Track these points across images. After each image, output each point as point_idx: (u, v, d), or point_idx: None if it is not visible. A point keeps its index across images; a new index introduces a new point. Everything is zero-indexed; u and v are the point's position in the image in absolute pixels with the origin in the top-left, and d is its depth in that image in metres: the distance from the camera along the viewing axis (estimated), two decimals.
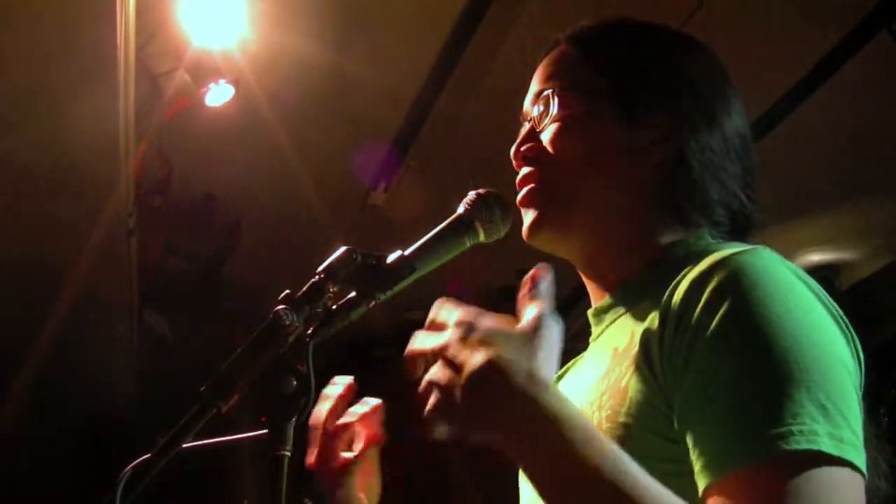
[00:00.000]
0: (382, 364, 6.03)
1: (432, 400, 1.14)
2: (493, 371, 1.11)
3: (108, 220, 4.65)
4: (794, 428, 1.10)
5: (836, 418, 1.12)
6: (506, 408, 1.11)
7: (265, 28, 3.70)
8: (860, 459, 1.13)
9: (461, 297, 1.25)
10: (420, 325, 1.24)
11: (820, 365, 1.16)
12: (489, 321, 1.17)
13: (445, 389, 1.14)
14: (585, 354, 1.59)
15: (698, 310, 1.23)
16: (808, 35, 3.93)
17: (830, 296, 4.59)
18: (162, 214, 4.91)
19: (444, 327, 1.19)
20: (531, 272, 1.22)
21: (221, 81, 3.62)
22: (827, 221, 5.24)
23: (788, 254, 4.71)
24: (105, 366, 5.99)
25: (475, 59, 3.86)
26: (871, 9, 3.78)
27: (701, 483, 1.16)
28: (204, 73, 3.59)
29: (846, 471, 1.11)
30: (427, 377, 1.17)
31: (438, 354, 1.16)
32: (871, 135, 4.42)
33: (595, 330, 1.55)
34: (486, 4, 3.62)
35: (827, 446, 1.10)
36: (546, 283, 1.21)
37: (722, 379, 1.17)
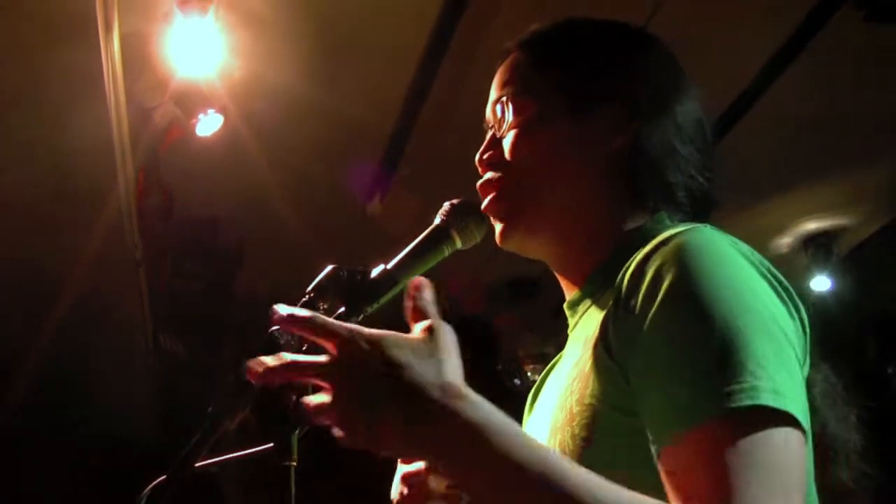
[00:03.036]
0: None
1: (342, 431, 1.09)
2: (405, 394, 1.08)
3: (116, 252, 4.74)
4: (736, 387, 1.13)
5: (775, 376, 1.15)
6: (428, 428, 1.08)
7: (245, 58, 3.80)
8: (800, 412, 1.16)
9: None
10: None
11: (757, 328, 1.19)
12: (381, 340, 1.10)
13: (353, 420, 1.09)
14: (566, 347, 1.61)
15: (644, 287, 1.27)
16: (779, 5, 3.95)
17: (829, 262, 4.65)
18: (167, 240, 5.00)
19: (321, 346, 1.14)
20: (412, 282, 1.19)
21: (210, 111, 3.70)
22: (818, 191, 5.26)
23: (783, 225, 4.78)
24: (124, 390, 6.05)
25: (447, 73, 4.02)
26: None
27: (654, 448, 1.19)
28: (193, 104, 3.67)
29: (787, 423, 1.14)
30: (320, 406, 1.10)
31: (329, 380, 1.11)
32: (852, 102, 4.44)
33: (571, 322, 1.58)
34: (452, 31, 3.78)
35: (769, 401, 1.12)
36: (429, 291, 1.18)
37: (667, 349, 1.21)
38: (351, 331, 1.11)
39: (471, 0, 3.65)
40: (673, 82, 1.61)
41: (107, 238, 4.70)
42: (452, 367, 1.11)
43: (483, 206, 1.58)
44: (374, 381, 1.08)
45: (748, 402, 1.12)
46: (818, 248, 5.63)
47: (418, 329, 1.14)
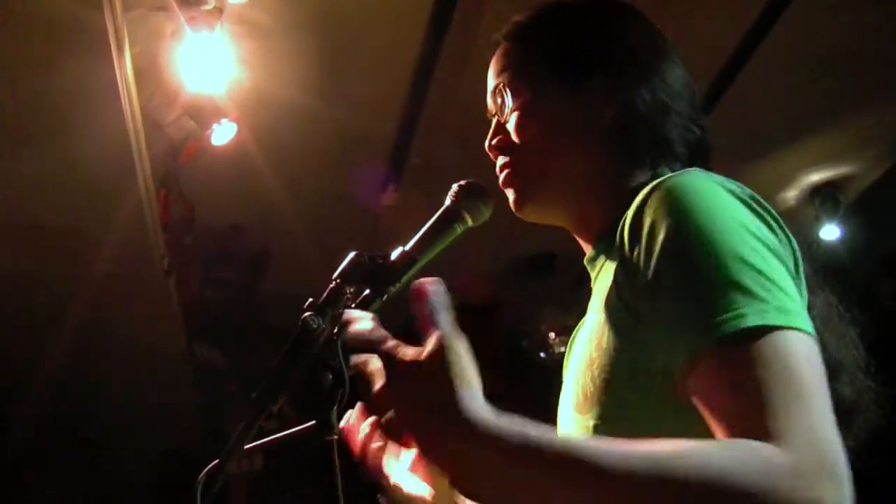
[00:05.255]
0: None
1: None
2: (434, 416, 1.15)
3: (144, 266, 4.85)
4: (745, 309, 1.19)
5: (777, 294, 1.22)
6: (450, 447, 1.14)
7: (253, 68, 3.91)
8: (805, 323, 1.22)
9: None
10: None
11: (754, 252, 1.26)
12: (399, 365, 1.20)
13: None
14: (591, 304, 1.66)
15: (644, 231, 1.34)
16: None
17: (836, 211, 4.67)
18: (194, 251, 5.10)
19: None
20: (418, 287, 1.23)
21: (224, 120, 3.81)
22: (821, 141, 5.25)
23: (788, 178, 4.79)
24: (166, 402, 6.12)
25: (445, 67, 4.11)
26: None
27: (675, 377, 1.26)
28: (206, 115, 3.77)
29: (797, 333, 1.20)
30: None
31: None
32: (847, 48, 4.42)
33: (592, 276, 1.66)
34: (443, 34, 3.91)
35: (777, 319, 1.19)
36: (436, 295, 1.22)
37: (675, 283, 1.28)
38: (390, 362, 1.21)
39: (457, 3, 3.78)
40: (655, 47, 1.70)
41: (132, 252, 4.82)
42: (460, 384, 1.14)
43: (500, 182, 1.70)
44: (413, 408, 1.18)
45: (759, 322, 1.19)
46: (825, 197, 5.62)
47: (431, 346, 1.17)
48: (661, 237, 1.32)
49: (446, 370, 1.15)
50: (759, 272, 1.24)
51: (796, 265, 1.38)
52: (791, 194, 5.70)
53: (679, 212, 1.32)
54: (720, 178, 1.40)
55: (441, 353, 1.16)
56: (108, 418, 6.24)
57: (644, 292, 1.34)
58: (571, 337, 1.80)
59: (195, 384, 5.93)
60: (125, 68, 3.47)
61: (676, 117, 1.65)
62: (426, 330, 1.20)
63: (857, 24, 4.29)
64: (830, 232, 5.69)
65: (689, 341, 1.24)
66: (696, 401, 1.23)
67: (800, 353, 1.19)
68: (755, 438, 1.12)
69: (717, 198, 1.34)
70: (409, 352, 1.20)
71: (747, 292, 1.22)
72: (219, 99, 3.75)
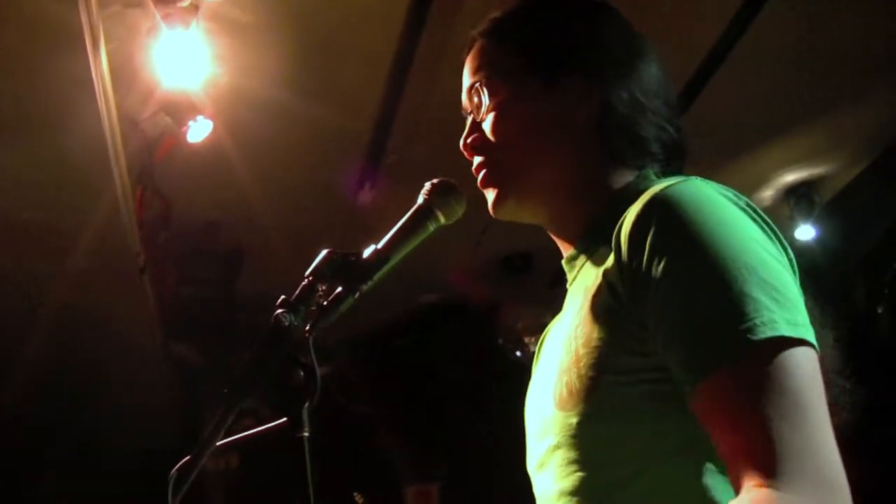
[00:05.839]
0: (402, 352, 6.19)
1: None
2: None
3: (119, 262, 4.84)
4: (756, 321, 1.21)
5: (786, 305, 1.24)
6: None
7: (229, 65, 3.91)
8: (812, 337, 1.25)
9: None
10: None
11: (761, 264, 1.27)
12: None
13: None
14: (566, 300, 1.69)
15: (649, 238, 1.34)
16: None
17: (811, 211, 4.71)
18: (169, 247, 5.09)
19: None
20: None
21: (199, 118, 3.79)
22: (795, 141, 5.27)
23: (763, 179, 4.81)
24: (141, 401, 6.11)
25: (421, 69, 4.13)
26: None
27: (687, 392, 1.28)
28: (182, 112, 3.76)
29: (804, 348, 1.23)
30: None
31: None
32: (821, 47, 4.43)
33: (569, 277, 1.68)
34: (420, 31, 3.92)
35: (786, 330, 1.21)
36: None
37: (683, 297, 1.29)
38: None
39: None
40: (631, 45, 1.71)
41: (108, 249, 4.81)
42: None
43: (478, 182, 1.70)
44: None
45: (770, 334, 1.21)
46: (800, 197, 5.65)
47: None
48: (669, 242, 1.33)
49: None
50: (770, 284, 1.26)
51: (794, 273, 1.40)
52: (766, 194, 5.73)
53: (686, 223, 1.32)
54: (719, 187, 1.41)
55: None
56: (85, 417, 6.23)
57: (647, 296, 1.34)
58: (543, 334, 1.82)
59: (172, 382, 5.92)
60: (101, 65, 3.45)
61: (653, 116, 1.65)
62: None
63: (832, 24, 4.30)
64: (806, 232, 5.73)
65: (701, 353, 1.26)
66: (702, 415, 1.26)
67: (805, 372, 1.22)
68: (761, 475, 1.16)
69: (723, 208, 1.36)
70: None
71: (759, 304, 1.24)
72: (195, 95, 3.74)
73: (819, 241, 5.74)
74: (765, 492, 1.14)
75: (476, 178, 1.72)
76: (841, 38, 4.42)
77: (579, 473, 1.42)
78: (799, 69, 4.58)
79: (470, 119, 1.75)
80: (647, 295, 1.34)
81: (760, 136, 5.17)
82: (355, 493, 5.97)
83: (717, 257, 1.28)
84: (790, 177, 5.65)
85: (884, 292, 5.23)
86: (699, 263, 1.29)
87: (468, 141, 1.72)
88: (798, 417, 1.17)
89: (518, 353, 6.49)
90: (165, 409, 6.10)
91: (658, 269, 1.32)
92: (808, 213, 5.69)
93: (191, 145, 3.90)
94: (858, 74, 4.75)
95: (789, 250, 1.41)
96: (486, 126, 1.69)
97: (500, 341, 6.57)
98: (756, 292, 1.24)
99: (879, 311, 5.16)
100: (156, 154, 4.12)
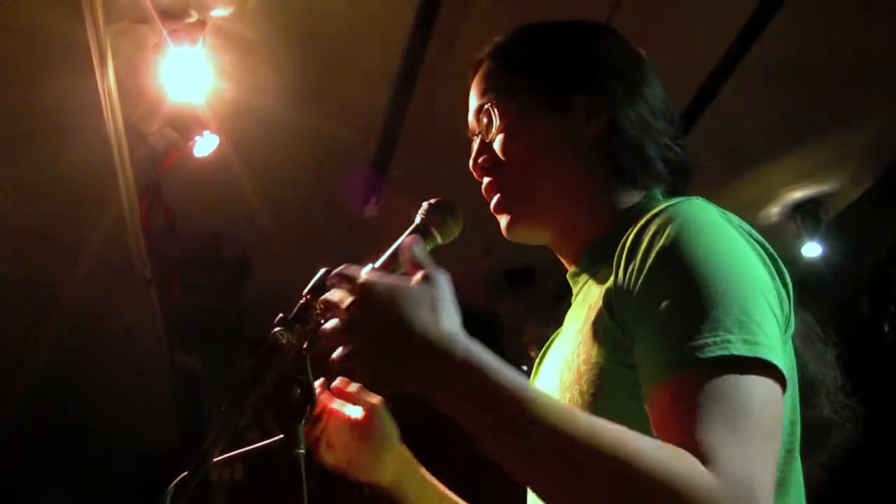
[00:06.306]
0: None
1: (364, 370, 1.29)
2: (398, 331, 1.23)
3: (125, 273, 4.85)
4: (709, 339, 1.21)
5: (750, 327, 1.23)
6: (417, 363, 1.23)
7: (235, 81, 3.95)
8: (776, 357, 1.23)
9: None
10: None
11: (736, 288, 1.27)
12: (387, 282, 1.28)
13: (357, 345, 1.28)
14: (568, 315, 1.71)
15: (639, 253, 1.36)
16: None
17: (818, 228, 4.68)
18: (175, 259, 5.12)
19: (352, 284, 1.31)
20: (405, 241, 1.37)
21: (206, 132, 3.82)
22: (801, 158, 5.25)
23: (769, 195, 4.76)
24: (146, 410, 6.14)
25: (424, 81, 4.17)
26: None
27: (643, 396, 1.29)
28: (188, 126, 3.78)
29: (761, 370, 1.22)
30: (336, 332, 1.30)
31: (347, 311, 1.29)
32: (826, 64, 4.43)
33: (574, 291, 1.70)
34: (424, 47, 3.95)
35: (739, 350, 1.20)
36: (420, 247, 1.34)
37: (655, 308, 1.30)
38: (364, 285, 1.29)
39: (439, 15, 3.80)
40: (637, 66, 1.74)
41: (115, 259, 4.81)
42: (444, 307, 1.26)
43: (491, 207, 1.72)
44: (385, 332, 1.25)
45: (718, 353, 1.20)
46: (806, 214, 5.62)
47: (418, 277, 1.29)
48: (655, 262, 1.34)
49: (432, 295, 1.27)
50: (739, 308, 1.26)
51: (789, 298, 1.41)
52: (773, 211, 5.70)
53: (675, 238, 1.34)
54: (721, 210, 1.43)
55: (428, 281, 1.28)
56: (91, 425, 6.23)
57: (632, 312, 1.36)
58: (545, 346, 1.83)
59: (177, 392, 5.92)
60: (108, 80, 3.48)
61: (659, 136, 1.68)
62: (412, 271, 1.31)
63: (836, 41, 4.31)
64: (812, 249, 5.70)
65: (658, 363, 1.27)
66: (651, 415, 1.27)
67: (752, 387, 1.21)
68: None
69: (719, 232, 1.37)
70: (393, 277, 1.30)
71: (719, 325, 1.24)
72: (201, 110, 3.76)
73: (825, 257, 5.71)
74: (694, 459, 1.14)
75: (482, 195, 1.74)
76: (846, 55, 4.42)
77: None
78: (804, 85, 4.57)
79: (478, 140, 1.76)
80: (630, 299, 1.37)
81: (767, 153, 5.16)
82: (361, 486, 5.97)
83: (698, 273, 1.29)
84: (796, 194, 5.63)
85: (890, 308, 5.22)
86: (679, 277, 1.31)
87: (478, 161, 1.74)
88: (737, 425, 1.16)
89: (524, 367, 6.49)
90: (169, 417, 6.10)
91: (644, 275, 1.35)
92: (815, 229, 5.66)
93: (196, 158, 3.91)
94: (864, 91, 4.75)
95: (785, 274, 1.42)
96: (497, 146, 1.70)
97: (505, 354, 6.55)
98: (721, 314, 1.24)
99: (885, 328, 5.16)
100: (162, 167, 4.14)
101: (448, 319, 1.25)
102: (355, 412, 1.88)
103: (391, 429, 1.91)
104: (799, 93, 4.63)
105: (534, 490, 1.23)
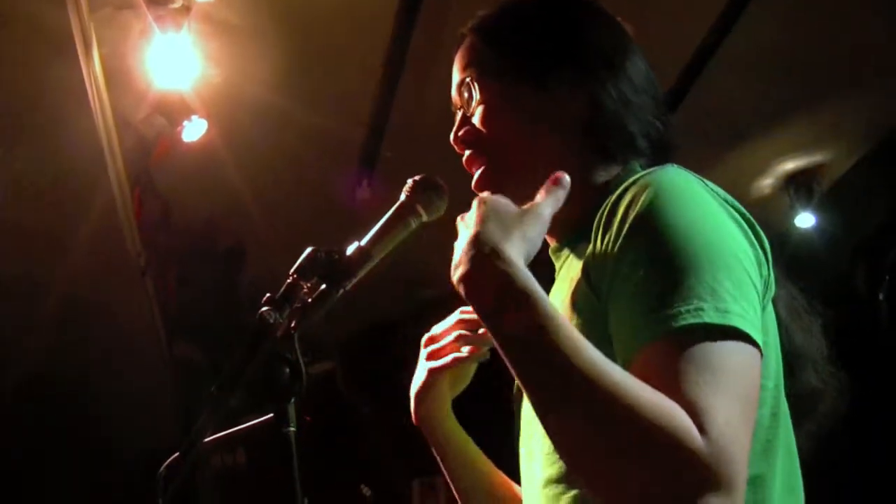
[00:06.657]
0: (407, 342, 6.19)
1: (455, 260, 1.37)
2: (470, 245, 1.33)
3: (120, 264, 4.87)
4: (682, 308, 1.23)
5: (723, 296, 1.25)
6: (478, 278, 1.32)
7: (221, 66, 3.93)
8: (749, 326, 1.24)
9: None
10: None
11: (711, 255, 1.29)
12: (497, 201, 1.41)
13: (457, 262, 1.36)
14: (552, 291, 1.68)
15: (615, 223, 1.38)
16: None
17: (811, 199, 4.67)
18: (170, 248, 5.11)
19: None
20: (555, 174, 1.46)
21: (194, 117, 3.80)
22: (794, 129, 5.25)
23: (762, 167, 4.76)
24: (146, 402, 6.13)
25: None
26: None
27: (620, 363, 1.28)
28: (176, 112, 3.77)
29: (735, 336, 1.23)
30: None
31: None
32: (819, 36, 4.43)
33: (557, 266, 1.70)
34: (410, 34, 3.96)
35: (711, 318, 1.22)
36: (561, 187, 1.45)
37: (630, 276, 1.32)
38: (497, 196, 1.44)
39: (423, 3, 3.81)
40: (618, 42, 1.72)
41: (108, 250, 4.81)
42: (520, 237, 1.35)
43: (474, 182, 1.72)
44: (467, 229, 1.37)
45: (692, 321, 1.22)
46: (799, 186, 5.61)
47: (528, 203, 1.42)
48: (630, 231, 1.35)
49: (522, 222, 1.38)
50: (712, 276, 1.27)
51: (767, 262, 1.42)
52: (766, 182, 5.69)
53: (650, 205, 1.35)
54: (696, 177, 1.44)
55: (528, 213, 1.40)
56: (87, 417, 6.23)
57: (607, 281, 1.37)
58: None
59: (175, 382, 5.93)
60: (93, 67, 3.47)
61: (640, 112, 1.67)
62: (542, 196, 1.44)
63: (830, 13, 4.30)
64: (805, 220, 5.70)
65: (633, 332, 1.28)
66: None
67: (723, 352, 1.22)
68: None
69: (693, 199, 1.38)
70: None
71: (692, 293, 1.25)
72: (188, 96, 3.75)
73: (819, 228, 5.71)
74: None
75: (467, 173, 1.74)
76: (839, 27, 4.42)
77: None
78: (797, 58, 4.57)
79: (460, 114, 1.76)
80: (606, 268, 1.38)
81: (758, 125, 5.16)
82: (362, 486, 6.00)
83: (672, 242, 1.30)
84: (789, 165, 5.62)
85: (884, 278, 5.22)
86: (654, 245, 1.32)
87: (459, 134, 1.74)
88: (714, 385, 1.18)
89: None
90: (167, 410, 6.10)
91: (619, 244, 1.36)
92: (808, 201, 5.65)
93: (185, 145, 3.91)
94: (855, 65, 4.75)
95: (763, 237, 1.43)
96: (476, 120, 1.71)
97: None
98: (694, 282, 1.26)
99: (880, 297, 5.17)
100: (153, 155, 4.14)
101: (516, 249, 1.33)
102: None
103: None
104: (791, 65, 4.63)
105: (539, 409, 1.26)
